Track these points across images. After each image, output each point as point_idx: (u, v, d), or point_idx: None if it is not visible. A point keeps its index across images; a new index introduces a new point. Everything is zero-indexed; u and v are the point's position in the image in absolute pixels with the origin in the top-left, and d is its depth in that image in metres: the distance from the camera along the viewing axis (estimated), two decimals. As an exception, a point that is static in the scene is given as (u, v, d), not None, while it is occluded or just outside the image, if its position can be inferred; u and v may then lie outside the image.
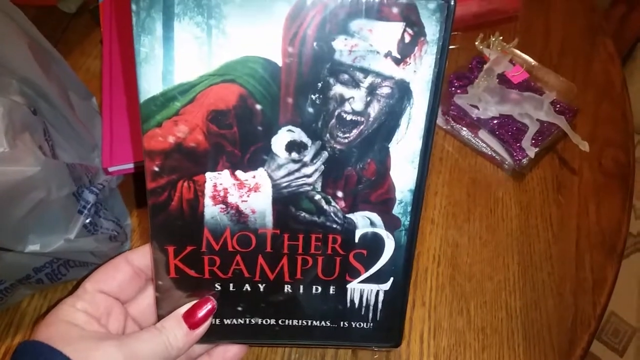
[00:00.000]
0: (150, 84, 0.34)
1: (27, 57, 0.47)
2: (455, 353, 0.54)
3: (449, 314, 0.56)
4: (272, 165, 0.35)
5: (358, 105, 0.34)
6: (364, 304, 0.40)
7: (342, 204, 0.36)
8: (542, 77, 0.71)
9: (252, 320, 0.40)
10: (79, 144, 0.53)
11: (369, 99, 0.34)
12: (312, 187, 0.36)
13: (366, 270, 0.39)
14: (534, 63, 0.72)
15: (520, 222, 0.63)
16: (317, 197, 0.36)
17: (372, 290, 0.39)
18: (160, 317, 0.39)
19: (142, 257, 0.40)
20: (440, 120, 0.69)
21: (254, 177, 0.35)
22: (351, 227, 0.37)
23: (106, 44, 0.66)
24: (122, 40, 0.66)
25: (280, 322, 0.40)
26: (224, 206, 0.36)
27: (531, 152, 0.63)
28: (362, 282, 0.39)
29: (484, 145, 0.67)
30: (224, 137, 0.35)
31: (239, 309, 0.39)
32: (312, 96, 0.34)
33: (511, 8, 0.81)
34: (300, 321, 0.40)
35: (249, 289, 0.39)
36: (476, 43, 0.73)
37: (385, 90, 0.34)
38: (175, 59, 0.33)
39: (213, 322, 0.39)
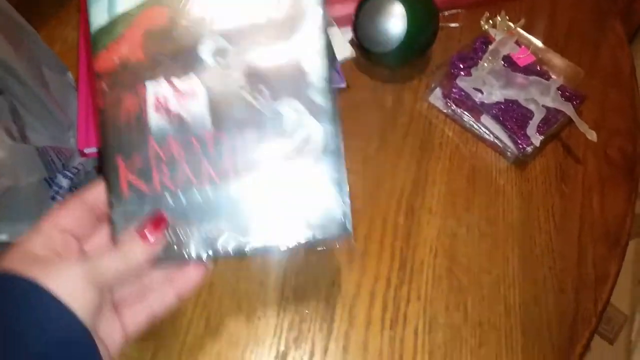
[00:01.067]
0: (97, 17, 0.40)
1: None
2: (451, 350, 0.52)
3: (445, 308, 0.54)
4: (203, 71, 0.40)
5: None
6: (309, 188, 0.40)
7: (268, 97, 0.39)
8: (548, 61, 0.68)
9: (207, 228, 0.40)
10: (52, 124, 0.49)
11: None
12: (239, 86, 0.39)
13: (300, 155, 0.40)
14: (541, 45, 0.68)
15: (522, 212, 0.60)
16: (245, 94, 0.39)
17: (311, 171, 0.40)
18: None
19: (95, 193, 0.39)
20: (441, 104, 0.66)
21: (189, 84, 0.40)
22: (279, 116, 0.39)
23: (84, 15, 0.61)
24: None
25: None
26: (165, 114, 0.39)
27: (536, 140, 0.60)
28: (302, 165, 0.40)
29: (486, 131, 0.63)
30: (159, 52, 0.40)
31: (192, 219, 0.39)
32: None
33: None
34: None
35: (199, 198, 0.39)
36: (482, 22, 0.69)
37: None
38: None
39: (169, 240, 0.39)
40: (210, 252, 0.39)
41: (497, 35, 0.68)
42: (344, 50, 0.68)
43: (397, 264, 0.55)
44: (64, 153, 0.48)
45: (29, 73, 0.47)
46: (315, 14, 0.39)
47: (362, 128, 0.64)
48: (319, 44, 0.39)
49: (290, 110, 0.40)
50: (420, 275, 0.55)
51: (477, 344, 0.52)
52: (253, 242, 0.39)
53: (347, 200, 0.41)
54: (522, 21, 0.68)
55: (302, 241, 0.40)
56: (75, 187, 0.48)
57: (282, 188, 0.40)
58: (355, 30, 0.66)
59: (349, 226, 0.40)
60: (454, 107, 0.65)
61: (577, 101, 0.64)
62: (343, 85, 0.63)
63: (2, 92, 0.42)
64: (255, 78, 0.40)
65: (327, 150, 0.40)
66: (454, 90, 0.64)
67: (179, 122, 0.40)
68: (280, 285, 0.54)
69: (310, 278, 0.55)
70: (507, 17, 0.69)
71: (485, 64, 0.64)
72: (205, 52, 0.40)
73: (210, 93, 0.40)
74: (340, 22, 0.69)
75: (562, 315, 0.55)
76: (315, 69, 0.39)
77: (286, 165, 0.40)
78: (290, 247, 0.40)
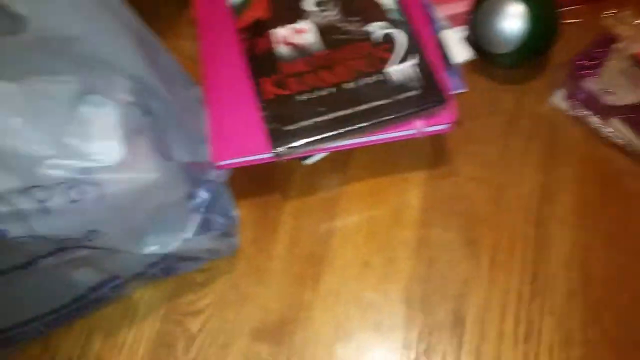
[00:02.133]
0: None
1: (135, 53, 0.44)
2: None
3: (581, 324, 0.52)
4: (310, 15, 0.60)
5: None
6: (407, 78, 0.56)
7: (359, 22, 0.59)
8: (682, 58, 0.63)
9: (332, 115, 0.54)
10: (188, 139, 0.50)
11: None
12: (337, 19, 0.59)
13: (394, 57, 0.57)
14: (674, 42, 0.64)
15: (659, 222, 0.57)
16: (342, 22, 0.59)
17: (407, 67, 0.56)
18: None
19: None
20: (565, 106, 0.63)
21: (300, 25, 0.59)
22: (370, 33, 0.59)
23: (203, 26, 0.62)
24: (217, 19, 0.63)
25: (351, 109, 0.54)
26: (289, 45, 0.58)
27: (674, 143, 0.56)
28: (396, 64, 0.57)
29: (617, 134, 0.60)
30: (279, 8, 0.61)
31: (320, 109, 0.54)
32: None
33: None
34: (365, 104, 0.54)
35: (323, 93, 0.55)
36: (606, 19, 0.65)
37: None
38: None
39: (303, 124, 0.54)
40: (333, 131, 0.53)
41: (623, 31, 0.64)
42: (462, 52, 0.66)
43: (528, 277, 0.54)
44: (201, 167, 0.49)
45: (167, 91, 0.48)
46: None
47: (481, 133, 0.62)
48: None
49: (377, 28, 0.58)
50: (554, 288, 0.53)
51: (615, 360, 0.50)
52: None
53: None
54: (653, 16, 0.64)
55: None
56: (213, 199, 0.49)
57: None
58: (471, 29, 0.65)
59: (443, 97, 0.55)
60: (580, 109, 0.62)
61: None
62: (464, 89, 0.61)
63: (150, 113, 0.43)
64: (346, 13, 0.60)
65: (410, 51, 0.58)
66: (579, 91, 0.62)
67: (299, 49, 0.58)
68: (405, 296, 0.54)
69: (435, 287, 0.54)
70: (634, 12, 0.65)
71: (613, 64, 0.61)
72: (310, 4, 0.61)
73: (318, 27, 0.59)
74: (455, 20, 0.68)
75: None
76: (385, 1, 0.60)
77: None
78: None
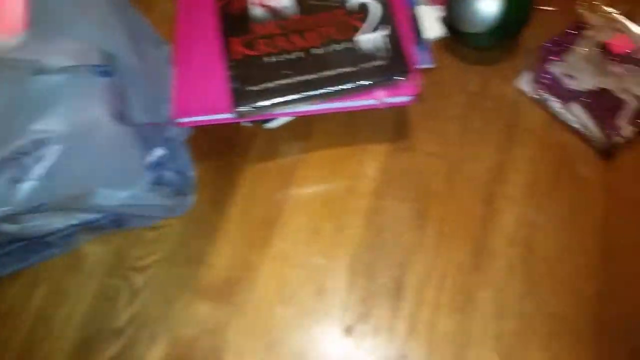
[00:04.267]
0: None
1: (104, 15, 0.46)
2: (521, 338, 0.52)
3: (518, 297, 0.53)
4: None
5: None
6: (376, 47, 0.57)
7: None
8: (648, 49, 0.64)
9: (297, 78, 0.55)
10: (151, 99, 0.51)
11: None
12: None
13: (366, 26, 0.58)
14: (642, 32, 0.65)
15: (608, 205, 0.58)
16: None
17: (377, 37, 0.57)
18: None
19: None
20: (529, 89, 0.64)
21: None
22: (345, 1, 0.60)
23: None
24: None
25: (317, 74, 0.55)
26: (264, 7, 0.59)
27: (627, 130, 0.57)
28: (367, 34, 0.58)
29: (574, 119, 0.61)
30: None
31: (286, 72, 0.55)
32: None
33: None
34: (331, 70, 0.55)
35: (291, 57, 0.56)
36: (579, 7, 0.66)
37: None
38: None
39: (268, 86, 0.55)
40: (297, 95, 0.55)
41: (594, 20, 0.65)
42: (435, 29, 0.66)
43: (471, 250, 0.55)
44: (160, 126, 0.51)
45: (132, 50, 0.49)
46: None
47: (444, 110, 0.63)
48: None
49: None
50: (495, 262, 0.55)
51: (548, 334, 0.52)
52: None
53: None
54: (623, 7, 0.64)
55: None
56: (167, 156, 0.50)
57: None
58: (447, 7, 0.65)
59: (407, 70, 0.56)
60: (542, 92, 0.63)
61: (678, 93, 0.60)
62: (431, 65, 0.62)
63: (112, 73, 0.45)
64: None
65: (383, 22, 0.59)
66: (544, 75, 0.62)
67: (274, 11, 0.59)
68: (351, 262, 0.55)
69: (381, 255, 0.55)
70: (606, 2, 0.65)
71: (580, 50, 0.62)
72: None
73: None
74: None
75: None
76: None
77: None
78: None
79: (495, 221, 0.57)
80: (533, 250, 0.55)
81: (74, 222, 0.50)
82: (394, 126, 0.62)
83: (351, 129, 0.62)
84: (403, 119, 0.63)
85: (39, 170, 0.40)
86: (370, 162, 0.60)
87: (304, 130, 0.62)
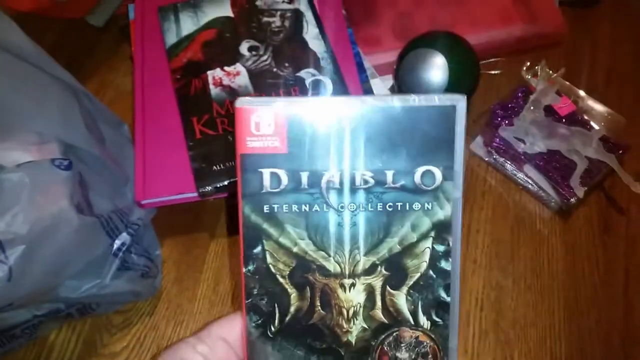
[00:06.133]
0: (169, 39, 0.65)
1: (60, 106, 0.46)
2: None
3: (491, 362, 0.54)
4: (243, 60, 0.64)
5: (278, 23, 0.66)
6: None
7: (290, 69, 0.63)
8: (589, 109, 0.68)
9: None
10: (110, 181, 0.51)
11: (282, 20, 0.66)
12: (269, 65, 0.63)
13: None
14: (582, 94, 0.69)
15: (567, 263, 0.60)
16: (274, 69, 0.63)
17: None
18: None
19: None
20: (482, 152, 0.67)
21: (234, 68, 0.63)
22: (301, 80, 0.62)
23: (138, 65, 0.63)
24: (153, 59, 0.64)
25: None
26: (222, 87, 0.61)
27: (580, 191, 0.60)
28: None
29: (529, 180, 0.64)
30: (213, 52, 0.64)
31: None
32: (253, 24, 0.66)
33: (556, 32, 0.78)
34: None
35: None
36: (522, 72, 0.70)
37: (288, 14, 0.67)
38: (182, 26, 0.66)
39: (230, 165, 0.55)
40: None
41: (538, 84, 0.68)
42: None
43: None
44: (123, 211, 0.50)
45: (91, 137, 0.49)
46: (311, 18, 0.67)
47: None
48: (316, 30, 0.66)
49: (306, 74, 0.63)
50: (467, 328, 0.55)
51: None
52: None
53: None
54: (562, 70, 0.68)
55: None
56: (133, 241, 0.49)
57: None
58: (396, 79, 0.68)
59: None
60: (496, 156, 0.66)
61: (621, 151, 0.64)
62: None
63: (71, 166, 0.44)
64: (279, 59, 0.63)
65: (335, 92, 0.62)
66: (495, 139, 0.65)
67: (231, 91, 0.61)
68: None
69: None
70: (547, 66, 0.69)
71: (527, 114, 0.65)
72: (243, 48, 0.64)
73: (250, 72, 0.63)
74: (381, 70, 0.71)
75: (610, 370, 0.54)
76: (316, 47, 0.64)
77: None
78: None
79: (462, 285, 0.58)
80: (501, 313, 0.56)
81: (39, 312, 0.48)
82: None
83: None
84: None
85: (2, 273, 0.38)
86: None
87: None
